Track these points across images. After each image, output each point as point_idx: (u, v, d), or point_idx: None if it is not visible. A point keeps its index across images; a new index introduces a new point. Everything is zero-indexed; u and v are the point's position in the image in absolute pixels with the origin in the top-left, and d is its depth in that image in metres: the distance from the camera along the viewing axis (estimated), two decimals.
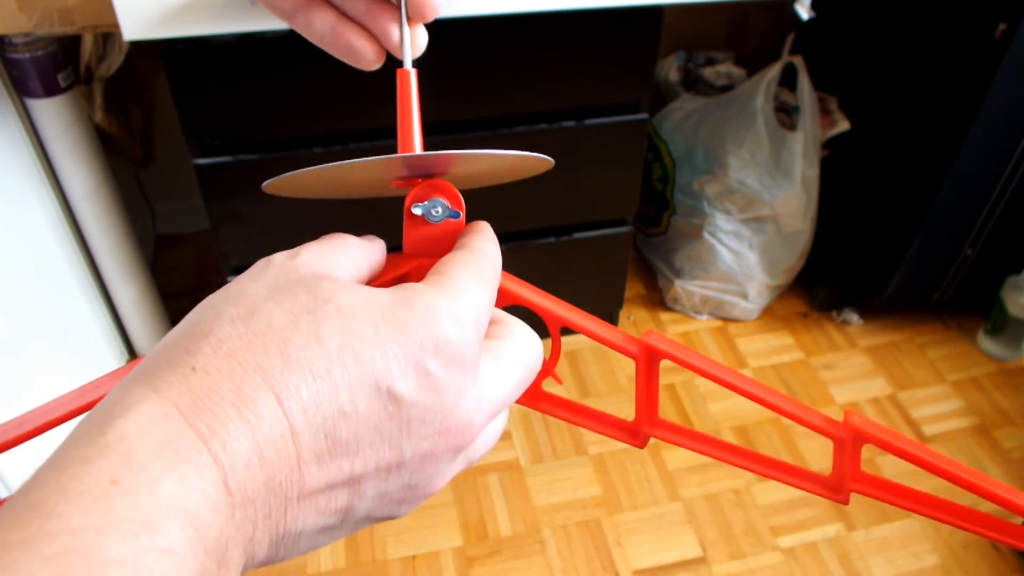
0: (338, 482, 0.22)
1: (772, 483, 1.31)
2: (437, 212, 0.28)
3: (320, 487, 0.22)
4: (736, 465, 0.33)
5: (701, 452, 0.33)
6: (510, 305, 0.30)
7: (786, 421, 1.41)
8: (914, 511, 0.32)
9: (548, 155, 0.29)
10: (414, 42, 0.30)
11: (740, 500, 1.29)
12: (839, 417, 0.32)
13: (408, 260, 0.29)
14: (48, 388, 1.11)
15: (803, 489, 0.33)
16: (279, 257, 0.25)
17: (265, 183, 0.28)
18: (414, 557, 1.20)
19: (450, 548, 1.21)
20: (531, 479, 1.31)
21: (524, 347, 0.28)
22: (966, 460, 1.36)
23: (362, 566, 1.18)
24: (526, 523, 1.25)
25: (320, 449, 0.22)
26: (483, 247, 0.28)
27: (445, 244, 0.29)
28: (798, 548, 1.23)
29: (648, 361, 0.32)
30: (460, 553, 1.20)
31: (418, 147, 0.29)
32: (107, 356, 1.34)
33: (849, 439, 0.31)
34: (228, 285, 0.24)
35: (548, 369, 0.31)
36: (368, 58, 0.30)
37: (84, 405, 0.27)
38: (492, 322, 0.28)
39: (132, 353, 1.41)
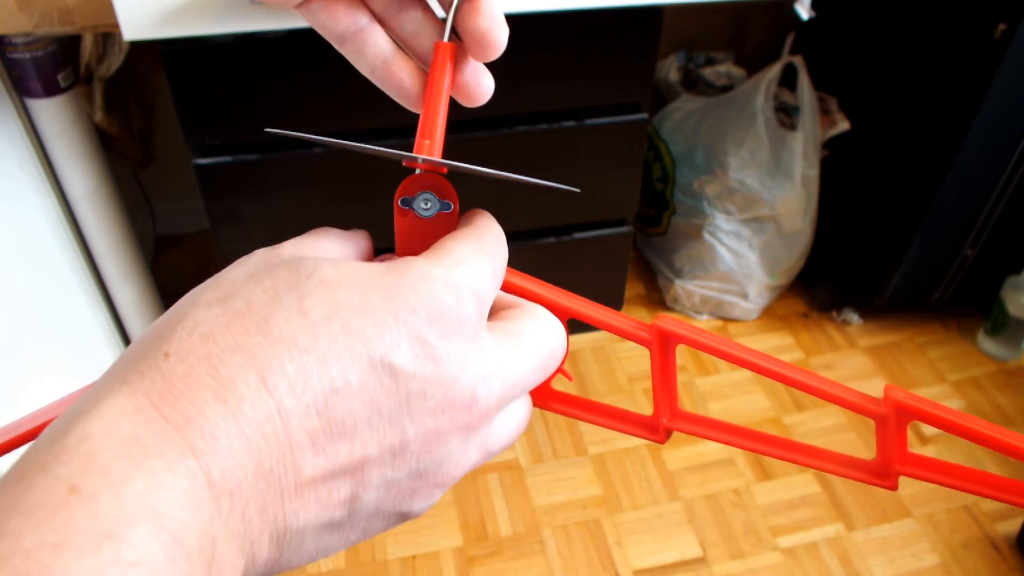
0: (338, 468, 0.21)
1: (772, 483, 1.31)
2: (427, 206, 0.27)
3: (319, 474, 0.20)
4: (770, 455, 0.30)
5: (730, 444, 0.30)
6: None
7: (786, 421, 1.41)
8: (969, 491, 0.29)
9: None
10: (480, 84, 0.27)
11: (740, 500, 1.29)
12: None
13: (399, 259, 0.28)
14: (48, 389, 1.11)
15: (845, 476, 0.30)
16: (261, 250, 0.24)
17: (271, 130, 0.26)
18: (414, 557, 1.20)
19: (450, 548, 1.21)
20: (531, 479, 1.31)
21: (543, 330, 0.26)
22: (966, 460, 1.36)
23: (362, 566, 1.18)
24: (526, 523, 1.25)
25: (313, 429, 0.20)
26: (485, 224, 0.26)
27: (437, 240, 0.27)
28: (798, 548, 1.22)
29: (663, 347, 0.29)
30: (460, 553, 1.20)
31: (439, 134, 0.27)
32: (107, 356, 1.33)
33: (892, 416, 0.28)
34: (209, 278, 0.23)
35: (558, 366, 0.29)
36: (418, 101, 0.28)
37: None
38: (510, 306, 0.27)
39: None
